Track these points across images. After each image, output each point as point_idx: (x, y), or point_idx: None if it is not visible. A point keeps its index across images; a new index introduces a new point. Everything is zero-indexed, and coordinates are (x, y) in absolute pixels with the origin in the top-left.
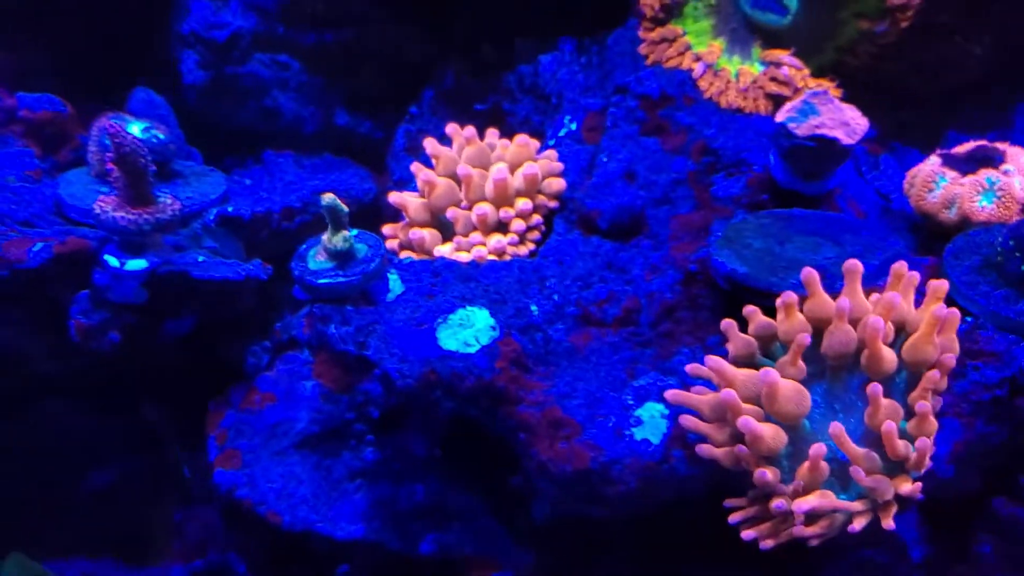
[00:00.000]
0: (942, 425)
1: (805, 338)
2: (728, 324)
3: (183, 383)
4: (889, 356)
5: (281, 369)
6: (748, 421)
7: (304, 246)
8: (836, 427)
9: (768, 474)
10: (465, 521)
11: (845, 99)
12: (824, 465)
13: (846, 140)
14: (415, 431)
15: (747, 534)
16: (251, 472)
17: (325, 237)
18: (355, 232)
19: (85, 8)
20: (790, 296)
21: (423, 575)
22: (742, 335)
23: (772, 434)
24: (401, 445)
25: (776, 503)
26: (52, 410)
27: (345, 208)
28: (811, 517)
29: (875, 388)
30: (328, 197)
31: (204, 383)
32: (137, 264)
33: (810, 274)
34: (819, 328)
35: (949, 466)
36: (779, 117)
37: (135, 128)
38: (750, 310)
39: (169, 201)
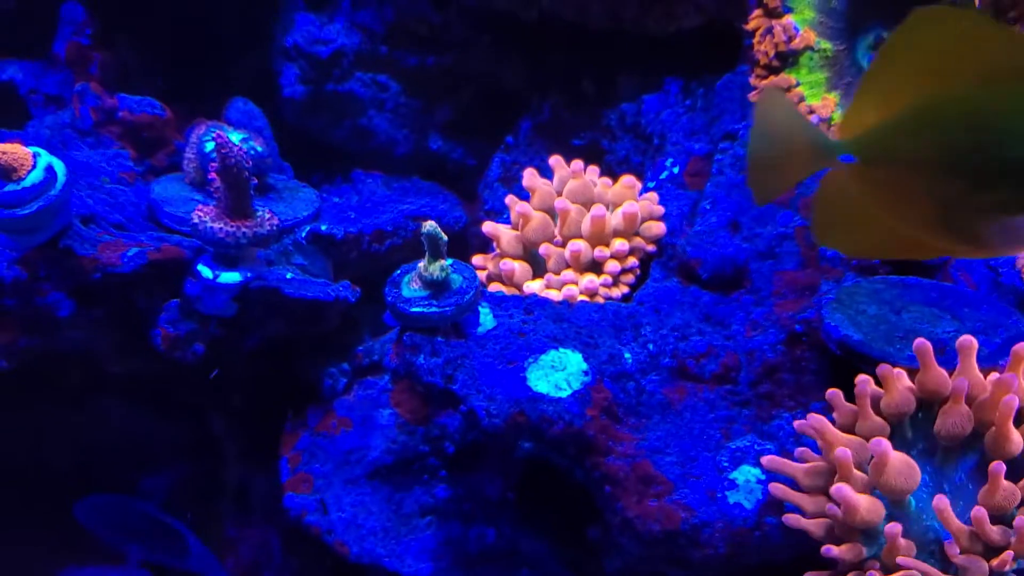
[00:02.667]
0: None
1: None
2: (834, 393)
3: (252, 398)
4: (1017, 439)
5: (359, 395)
6: (842, 488)
7: (399, 272)
8: (941, 500)
9: (834, 551)
10: (535, 569)
11: None
12: (904, 543)
13: None
14: (490, 471)
15: None
16: (322, 498)
17: (421, 265)
18: (450, 262)
19: (184, 12)
20: (888, 369)
21: None
22: (848, 404)
23: (868, 506)
24: (474, 485)
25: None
26: (110, 410)
27: (444, 237)
28: None
29: (997, 466)
30: (429, 225)
31: (274, 400)
32: (231, 277)
33: (923, 345)
34: (928, 402)
35: None
36: None
37: (233, 138)
38: (863, 380)
39: (267, 216)
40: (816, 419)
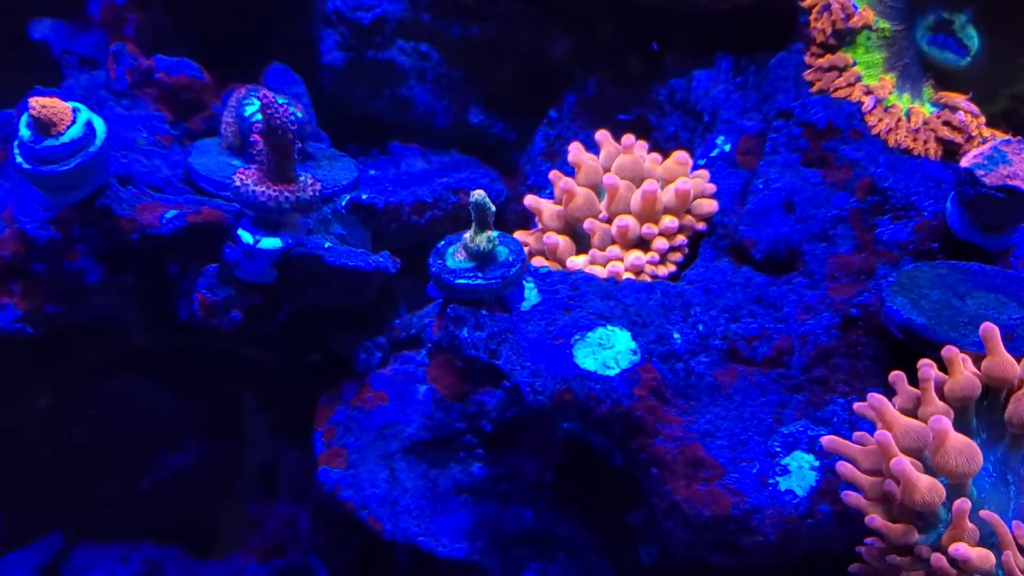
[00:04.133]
0: None
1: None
2: (897, 376)
3: (283, 372)
4: None
5: (396, 368)
6: (902, 462)
7: (443, 243)
8: (990, 517)
9: (878, 521)
10: (571, 554)
11: None
12: (971, 526)
13: None
14: (528, 451)
15: None
16: (356, 473)
17: (467, 236)
18: (496, 234)
19: None
20: (954, 351)
21: None
22: (911, 388)
23: (928, 485)
24: (512, 464)
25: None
26: (129, 386)
27: (492, 207)
28: None
29: None
30: (478, 194)
31: (305, 374)
32: (272, 243)
33: (990, 330)
34: (995, 390)
35: None
36: (964, 162)
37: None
38: (926, 364)
39: (310, 181)
40: (876, 399)
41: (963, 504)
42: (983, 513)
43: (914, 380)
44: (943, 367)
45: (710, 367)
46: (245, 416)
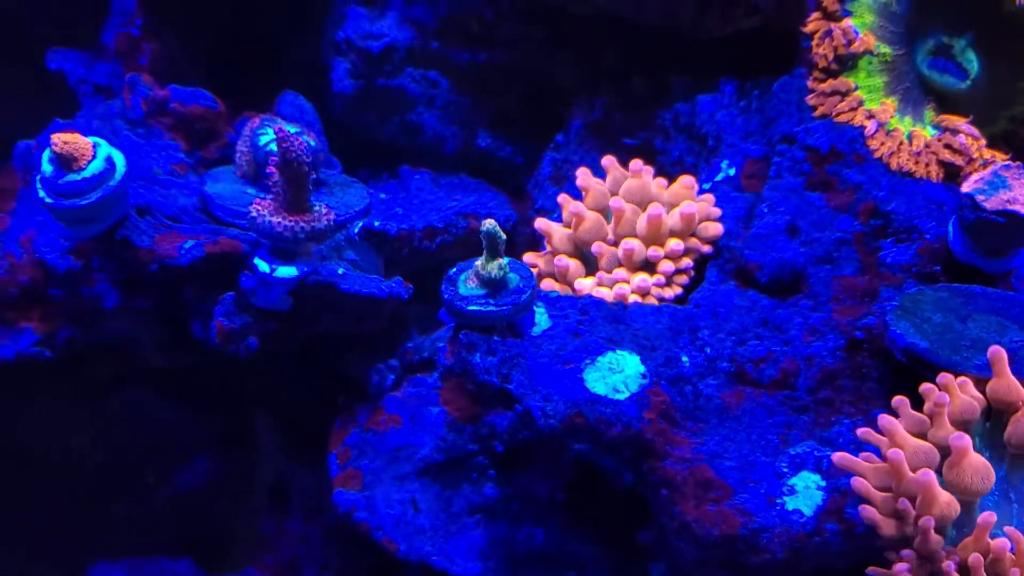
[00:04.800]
0: None
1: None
2: (900, 401)
3: (297, 394)
4: None
5: (409, 391)
6: (929, 473)
7: (455, 270)
8: (988, 517)
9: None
10: (582, 572)
11: None
12: (989, 541)
13: None
14: (539, 472)
15: None
16: (371, 495)
17: (479, 263)
18: (507, 260)
19: (231, 3)
20: (949, 377)
21: None
22: (915, 413)
23: (947, 500)
24: (523, 485)
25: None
26: (141, 403)
27: (503, 236)
28: None
29: None
30: (489, 223)
31: (319, 397)
32: (287, 271)
33: (998, 353)
34: (998, 412)
35: None
36: (965, 187)
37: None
38: (928, 388)
39: (324, 211)
40: (887, 419)
41: (988, 517)
42: (1007, 529)
43: (916, 403)
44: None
45: (718, 389)
46: (258, 435)
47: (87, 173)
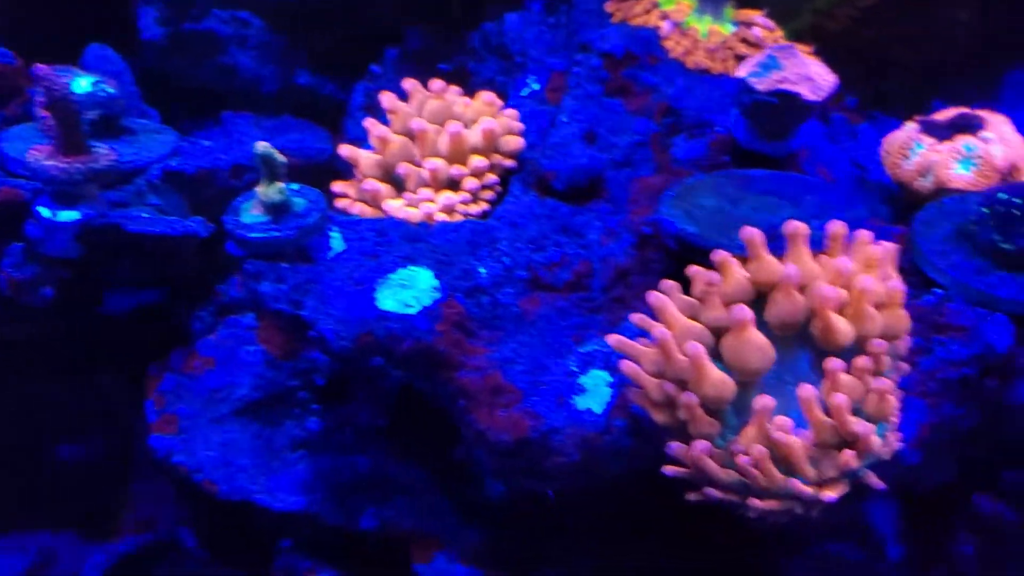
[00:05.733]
0: (906, 405)
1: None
2: (669, 285)
3: (138, 352)
4: (843, 328)
5: (223, 333)
6: (696, 346)
7: (239, 199)
8: (807, 390)
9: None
10: (409, 496)
11: None
12: (783, 420)
13: (810, 96)
14: (361, 401)
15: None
16: (188, 438)
17: (259, 189)
18: (296, 186)
19: None
20: (722, 254)
21: (365, 550)
22: (684, 296)
23: (720, 377)
24: (347, 416)
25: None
26: (17, 379)
27: (281, 158)
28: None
29: (834, 363)
30: (261, 146)
31: (157, 352)
32: (69, 215)
33: (750, 234)
34: (765, 292)
35: (916, 451)
36: (740, 72)
37: (83, 82)
38: (694, 270)
39: (104, 151)
40: (655, 296)
41: (766, 401)
42: (801, 391)
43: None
44: None
45: (515, 297)
46: (113, 398)
47: None
